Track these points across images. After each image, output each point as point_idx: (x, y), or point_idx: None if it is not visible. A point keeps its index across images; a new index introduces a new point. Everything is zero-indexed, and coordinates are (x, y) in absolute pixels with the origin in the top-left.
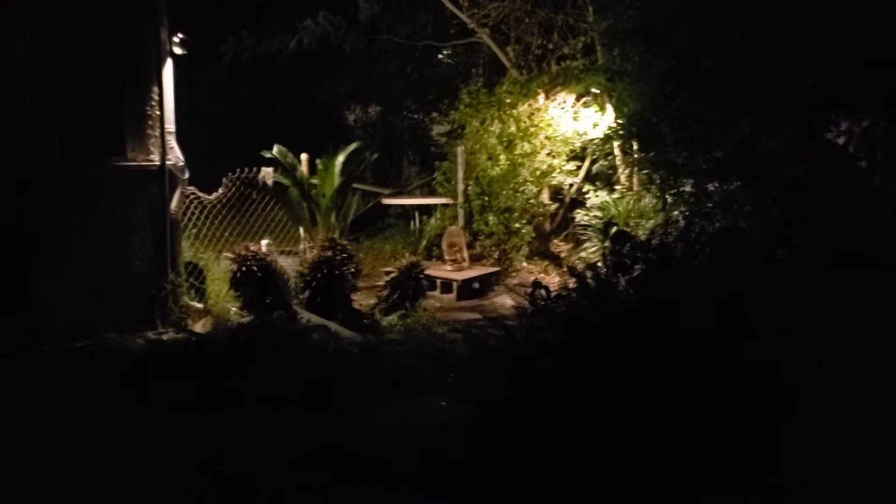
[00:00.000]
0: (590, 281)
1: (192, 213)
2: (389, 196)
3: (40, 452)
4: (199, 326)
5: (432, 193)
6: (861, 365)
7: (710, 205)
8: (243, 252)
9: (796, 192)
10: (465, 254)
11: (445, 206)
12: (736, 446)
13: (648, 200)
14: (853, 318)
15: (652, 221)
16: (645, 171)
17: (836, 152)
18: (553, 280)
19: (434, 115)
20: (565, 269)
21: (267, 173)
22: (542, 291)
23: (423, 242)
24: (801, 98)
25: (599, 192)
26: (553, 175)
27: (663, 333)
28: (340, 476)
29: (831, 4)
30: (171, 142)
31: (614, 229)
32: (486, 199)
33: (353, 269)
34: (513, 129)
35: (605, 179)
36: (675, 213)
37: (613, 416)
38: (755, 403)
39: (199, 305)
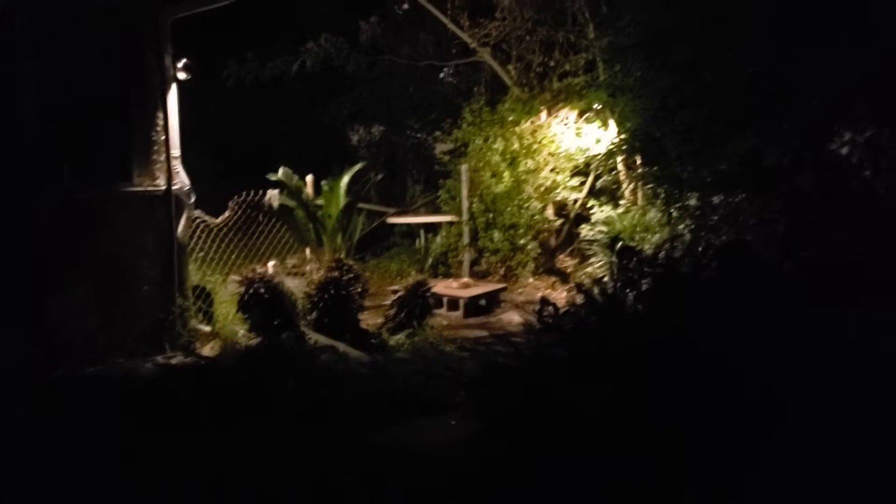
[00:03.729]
0: (598, 297)
1: (199, 237)
2: (394, 215)
3: (54, 479)
4: (208, 350)
5: (437, 211)
6: (872, 380)
7: (715, 218)
8: (250, 274)
9: (801, 204)
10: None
11: (450, 223)
12: (740, 463)
13: (653, 215)
14: (863, 332)
15: (657, 235)
16: (649, 186)
17: (841, 163)
18: (560, 296)
19: (437, 133)
20: (573, 285)
21: (273, 196)
22: (550, 308)
23: (429, 260)
24: (803, 109)
25: (604, 207)
26: (557, 191)
27: (672, 351)
28: (350, 498)
29: (832, 17)
30: (177, 166)
31: (620, 244)
32: (491, 215)
33: (359, 289)
34: (516, 146)
35: (609, 194)
36: (681, 226)
37: (624, 432)
38: (760, 421)
39: (207, 329)
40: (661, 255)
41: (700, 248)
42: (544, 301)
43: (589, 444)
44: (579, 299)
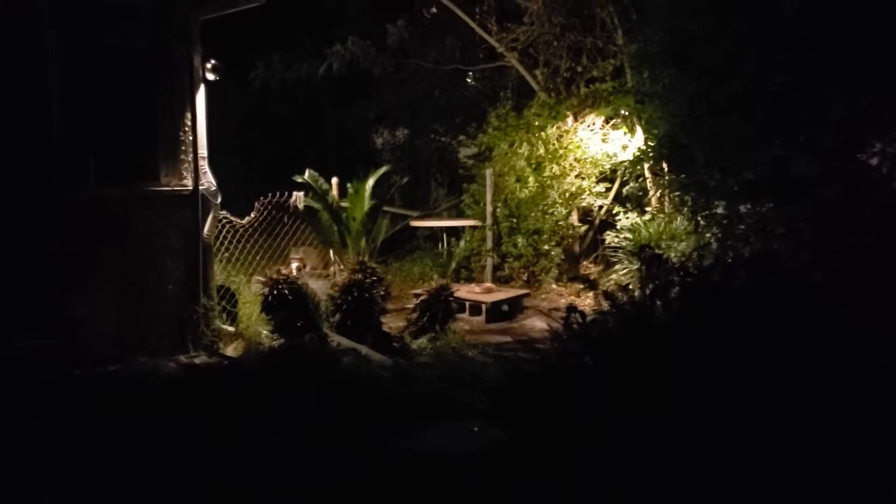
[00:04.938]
0: (626, 305)
1: (225, 237)
2: (417, 218)
3: (72, 479)
4: (231, 350)
5: (460, 216)
6: None
7: (742, 227)
8: (274, 275)
9: (829, 214)
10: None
11: (474, 228)
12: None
13: (680, 222)
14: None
15: (684, 244)
16: (676, 193)
17: (870, 173)
18: (584, 303)
19: (461, 137)
20: (597, 292)
21: (298, 197)
22: (577, 315)
23: (452, 265)
24: (832, 119)
25: (630, 214)
26: (582, 197)
27: (703, 361)
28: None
29: (859, 25)
30: (204, 166)
31: (647, 252)
32: (515, 221)
33: (382, 292)
34: (541, 151)
35: (635, 201)
36: (708, 235)
37: (654, 445)
38: (786, 433)
39: (231, 329)
40: (689, 263)
41: (728, 257)
42: (571, 308)
43: (619, 456)
44: (605, 306)
